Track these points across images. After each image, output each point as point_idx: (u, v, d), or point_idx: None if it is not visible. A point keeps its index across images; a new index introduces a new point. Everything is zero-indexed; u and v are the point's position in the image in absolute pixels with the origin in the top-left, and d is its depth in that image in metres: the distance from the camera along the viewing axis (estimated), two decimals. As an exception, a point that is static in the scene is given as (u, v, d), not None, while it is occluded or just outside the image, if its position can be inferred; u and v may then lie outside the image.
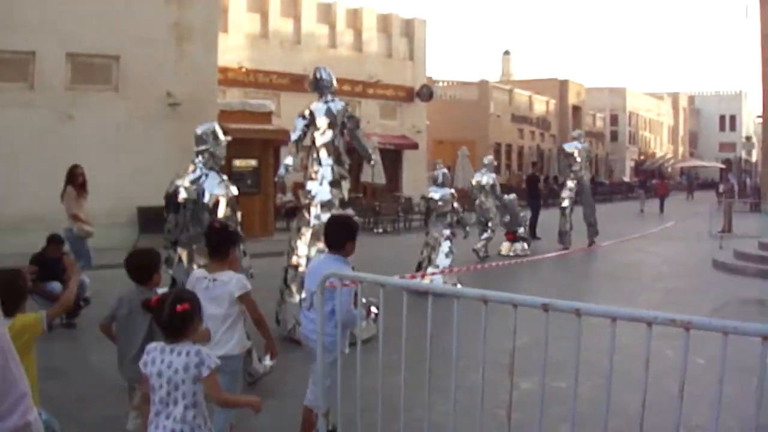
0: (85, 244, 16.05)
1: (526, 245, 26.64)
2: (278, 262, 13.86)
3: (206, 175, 10.16)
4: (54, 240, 11.86)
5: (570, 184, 29.26)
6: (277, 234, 28.00)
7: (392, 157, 46.00)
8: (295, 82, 40.85)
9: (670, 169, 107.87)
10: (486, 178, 25.71)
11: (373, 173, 33.18)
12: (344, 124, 13.57)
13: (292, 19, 42.20)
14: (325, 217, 11.70)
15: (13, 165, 22.66)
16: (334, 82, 13.98)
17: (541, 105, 75.50)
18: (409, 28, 50.15)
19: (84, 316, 13.49)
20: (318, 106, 13.53)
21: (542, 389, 5.16)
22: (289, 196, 34.77)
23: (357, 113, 43.72)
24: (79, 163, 16.56)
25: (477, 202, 25.84)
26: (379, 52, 47.65)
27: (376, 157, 13.88)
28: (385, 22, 48.22)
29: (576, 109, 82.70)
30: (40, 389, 6.02)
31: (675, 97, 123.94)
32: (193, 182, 10.10)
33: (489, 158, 27.26)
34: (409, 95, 48.99)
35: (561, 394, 5.07)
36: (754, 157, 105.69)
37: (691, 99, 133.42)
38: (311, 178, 13.59)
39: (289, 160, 13.70)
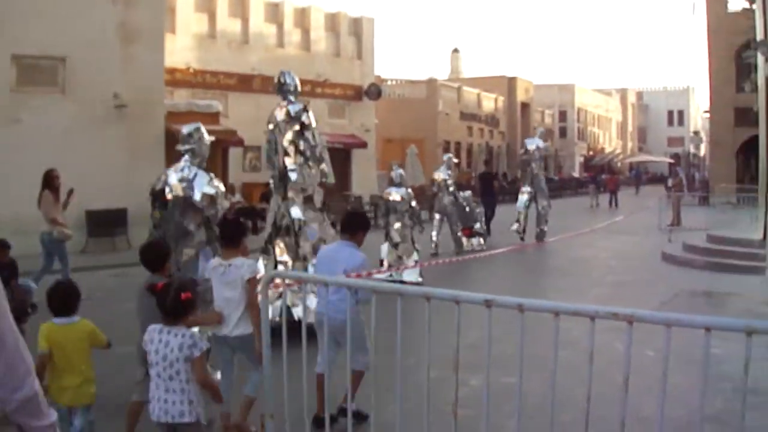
0: (63, 247, 16.39)
1: (482, 240, 27.16)
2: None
3: (195, 174, 10.45)
4: (3, 245, 11.78)
5: (527, 180, 30.03)
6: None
7: (341, 156, 45.86)
8: (243, 82, 40.76)
9: (619, 164, 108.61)
10: (441, 174, 26.05)
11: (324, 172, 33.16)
12: (303, 124, 13.80)
13: (239, 18, 41.99)
14: (294, 212, 13.19)
15: (-43, 169, 22.37)
16: (298, 86, 14.41)
17: (489, 102, 75.72)
18: (357, 27, 50.09)
19: (32, 323, 13.42)
20: (278, 110, 13.95)
21: (487, 385, 5.19)
22: (237, 197, 34.64)
23: (306, 112, 43.78)
24: (24, 166, 16.52)
25: (438, 197, 26.26)
26: (327, 51, 47.55)
27: (325, 156, 14.14)
28: (333, 21, 48.12)
29: (525, 105, 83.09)
30: None
31: (623, 93, 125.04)
32: (181, 180, 10.37)
33: (448, 156, 27.77)
34: (357, 94, 48.94)
35: (512, 389, 5.09)
36: (702, 152, 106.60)
37: (640, 95, 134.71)
38: (271, 178, 14.11)
39: (269, 157, 14.23)
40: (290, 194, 13.63)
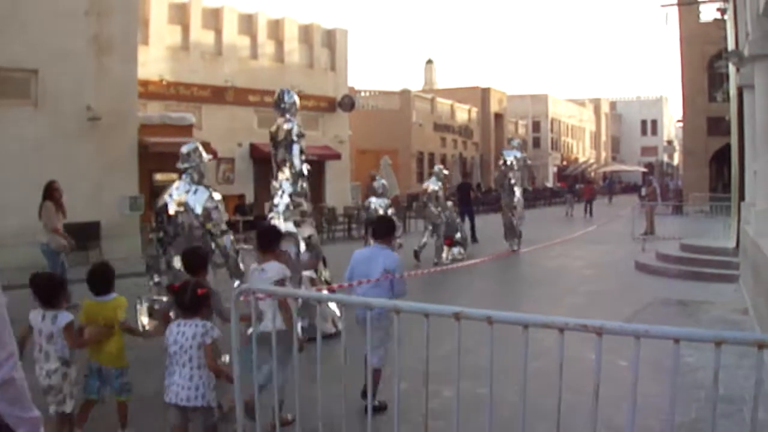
0: (61, 258, 16.78)
1: (462, 249, 27.60)
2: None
3: (195, 191, 11.41)
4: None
5: (517, 192, 29.98)
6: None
7: (315, 167, 45.56)
8: (217, 94, 40.67)
9: (593, 174, 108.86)
10: (432, 185, 26.63)
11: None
12: (293, 141, 14.49)
13: (213, 30, 41.90)
14: (287, 225, 13.71)
15: (-71, 182, 22.23)
16: (297, 104, 15.26)
17: (463, 113, 75.79)
18: (330, 39, 50.11)
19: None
20: (274, 127, 14.82)
21: (457, 396, 5.20)
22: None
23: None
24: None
25: (426, 208, 26.82)
26: (300, 62, 47.53)
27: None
28: (306, 33, 48.11)
29: (498, 116, 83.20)
30: None
31: (597, 103, 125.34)
32: (183, 197, 11.30)
33: (438, 167, 28.44)
34: (331, 105, 48.93)
35: (485, 400, 5.10)
36: (675, 161, 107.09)
37: (613, 104, 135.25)
38: (274, 191, 14.71)
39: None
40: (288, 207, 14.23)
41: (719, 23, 37.60)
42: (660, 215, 39.23)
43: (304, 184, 14.74)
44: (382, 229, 10.16)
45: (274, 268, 8.90)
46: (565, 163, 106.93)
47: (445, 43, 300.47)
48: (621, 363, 9.56)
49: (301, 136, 14.74)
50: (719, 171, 57.10)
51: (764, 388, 9.55)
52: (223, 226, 11.62)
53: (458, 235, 27.80)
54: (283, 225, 13.73)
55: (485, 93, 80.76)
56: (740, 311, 16.16)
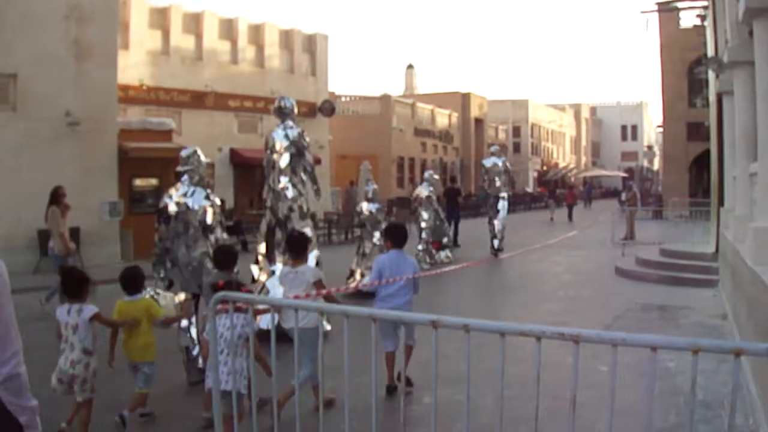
0: (69, 262, 17.08)
1: (449, 253, 28.22)
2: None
3: (193, 192, 12.01)
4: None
5: (492, 195, 30.43)
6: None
7: (296, 172, 45.72)
8: (197, 99, 40.61)
9: (573, 179, 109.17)
10: (424, 190, 27.19)
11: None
12: (299, 147, 15.26)
13: (193, 35, 41.87)
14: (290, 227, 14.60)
15: None
16: (295, 110, 15.83)
17: (443, 118, 75.87)
18: (311, 44, 50.15)
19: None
20: (277, 132, 15.33)
21: (435, 403, 5.20)
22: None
23: (259, 129, 43.68)
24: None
25: (419, 212, 27.17)
26: (281, 67, 47.56)
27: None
28: (287, 38, 48.13)
29: (478, 121, 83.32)
30: None
31: (577, 108, 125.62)
32: (182, 197, 11.95)
33: (429, 172, 28.83)
34: (311, 110, 48.87)
35: (465, 407, 5.09)
36: (655, 166, 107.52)
37: (593, 110, 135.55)
38: (274, 196, 15.31)
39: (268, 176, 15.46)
40: (291, 213, 15.12)
41: (699, 29, 37.78)
42: (640, 220, 39.30)
43: (301, 188, 15.53)
44: (402, 238, 11.27)
45: (310, 270, 10.15)
46: (545, 168, 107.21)
47: (426, 49, 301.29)
48: (601, 368, 9.58)
49: (305, 142, 15.50)
50: (699, 176, 57.34)
51: (742, 393, 9.63)
52: (218, 226, 12.24)
53: (445, 240, 28.33)
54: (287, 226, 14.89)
55: (466, 98, 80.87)
56: (719, 316, 16.21)
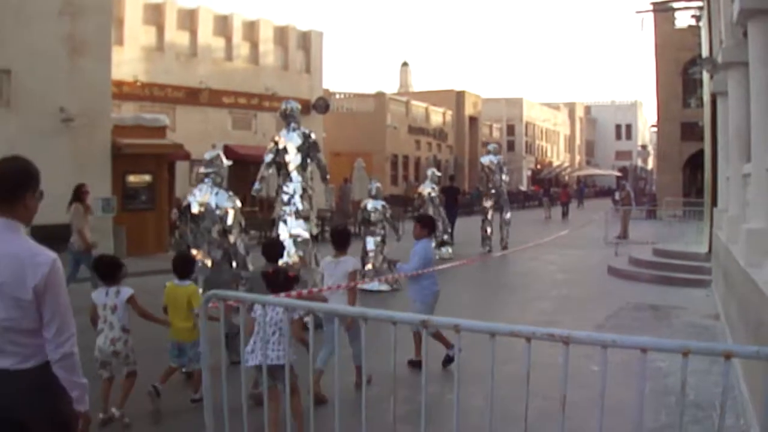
0: (89, 258, 17.21)
1: (450, 249, 28.75)
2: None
3: (216, 193, 12.79)
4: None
5: (490, 193, 31.90)
6: (172, 250, 27.33)
7: (289, 169, 45.66)
8: (191, 95, 40.53)
9: (567, 178, 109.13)
10: (427, 188, 27.64)
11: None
12: (308, 147, 15.95)
13: (188, 31, 41.81)
14: (299, 223, 15.76)
15: None
16: (299, 113, 16.49)
17: (437, 116, 75.74)
18: (305, 41, 50.10)
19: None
20: (286, 134, 15.97)
21: (425, 403, 5.20)
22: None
23: (253, 126, 43.67)
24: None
25: (421, 210, 27.15)
26: (275, 64, 47.49)
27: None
28: (281, 35, 48.07)
29: (473, 119, 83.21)
30: None
31: (571, 107, 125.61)
32: (204, 197, 12.73)
33: (432, 170, 29.21)
34: (305, 108, 48.62)
35: (459, 405, 5.10)
36: (650, 165, 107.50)
37: (588, 109, 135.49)
38: (284, 194, 16.09)
39: (264, 174, 16.28)
40: (299, 210, 15.87)
41: (694, 30, 37.72)
42: (633, 219, 39.30)
43: (309, 187, 16.39)
44: (426, 226, 12.68)
45: (350, 261, 11.34)
46: (539, 166, 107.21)
47: (421, 46, 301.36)
48: (593, 368, 9.58)
49: (313, 141, 16.22)
50: (693, 176, 57.29)
51: (733, 393, 9.65)
52: (237, 227, 13.05)
53: (446, 237, 28.79)
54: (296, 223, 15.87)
55: (460, 96, 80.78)
56: (712, 317, 16.26)
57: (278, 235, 15.51)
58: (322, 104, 49.61)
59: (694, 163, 53.27)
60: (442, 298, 12.56)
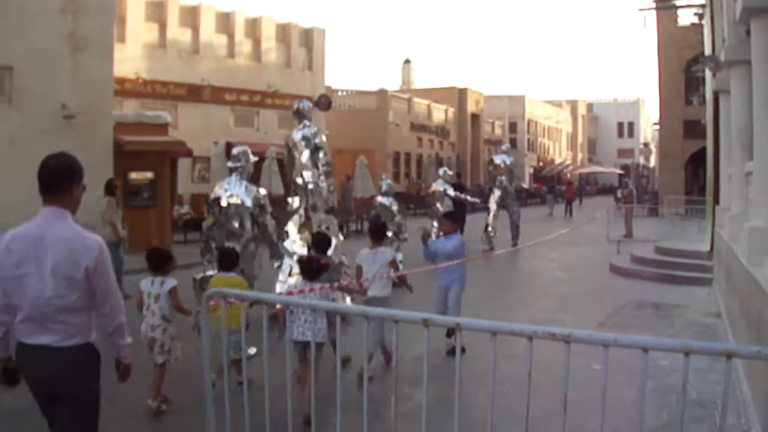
0: (118, 250, 18.26)
1: None
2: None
3: (245, 186, 14.02)
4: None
5: (496, 191, 32.69)
6: (174, 247, 27.28)
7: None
8: (193, 93, 40.54)
9: (569, 175, 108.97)
10: (439, 186, 27.65)
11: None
12: (317, 144, 16.25)
13: (190, 28, 41.85)
14: (314, 216, 16.10)
15: None
16: (311, 111, 17.05)
17: (440, 113, 75.62)
18: (308, 38, 50.12)
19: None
20: (296, 133, 16.41)
21: (425, 401, 5.20)
22: (186, 209, 34.36)
23: (255, 123, 43.69)
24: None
25: (433, 208, 27.51)
26: (277, 61, 47.53)
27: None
28: (284, 32, 48.11)
29: (475, 117, 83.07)
30: None
31: (574, 105, 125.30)
32: (234, 191, 13.87)
33: (444, 169, 29.48)
34: (308, 105, 48.75)
35: (458, 404, 5.09)
36: (652, 163, 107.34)
37: (590, 106, 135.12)
38: (295, 191, 16.53)
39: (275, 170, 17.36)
40: (316, 204, 16.22)
41: (697, 28, 37.66)
42: (636, 217, 39.28)
43: (320, 182, 16.56)
44: (455, 220, 13.77)
45: (388, 251, 12.51)
46: (541, 164, 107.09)
47: (423, 43, 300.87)
48: (595, 366, 9.57)
49: (321, 141, 16.64)
50: (695, 174, 57.29)
51: (735, 392, 9.64)
52: (267, 213, 14.41)
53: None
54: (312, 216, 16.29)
55: (462, 93, 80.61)
56: (713, 314, 16.25)
57: (287, 233, 16.17)
58: (325, 101, 49.50)
59: (697, 161, 53.27)
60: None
